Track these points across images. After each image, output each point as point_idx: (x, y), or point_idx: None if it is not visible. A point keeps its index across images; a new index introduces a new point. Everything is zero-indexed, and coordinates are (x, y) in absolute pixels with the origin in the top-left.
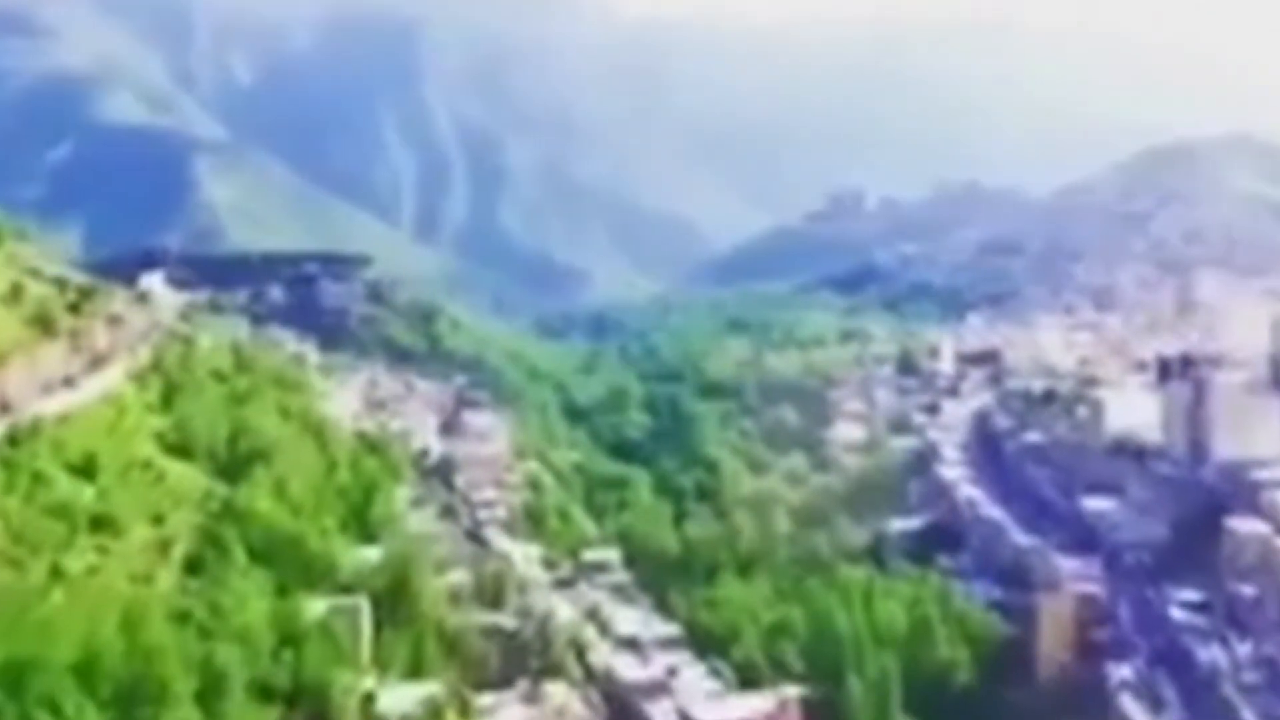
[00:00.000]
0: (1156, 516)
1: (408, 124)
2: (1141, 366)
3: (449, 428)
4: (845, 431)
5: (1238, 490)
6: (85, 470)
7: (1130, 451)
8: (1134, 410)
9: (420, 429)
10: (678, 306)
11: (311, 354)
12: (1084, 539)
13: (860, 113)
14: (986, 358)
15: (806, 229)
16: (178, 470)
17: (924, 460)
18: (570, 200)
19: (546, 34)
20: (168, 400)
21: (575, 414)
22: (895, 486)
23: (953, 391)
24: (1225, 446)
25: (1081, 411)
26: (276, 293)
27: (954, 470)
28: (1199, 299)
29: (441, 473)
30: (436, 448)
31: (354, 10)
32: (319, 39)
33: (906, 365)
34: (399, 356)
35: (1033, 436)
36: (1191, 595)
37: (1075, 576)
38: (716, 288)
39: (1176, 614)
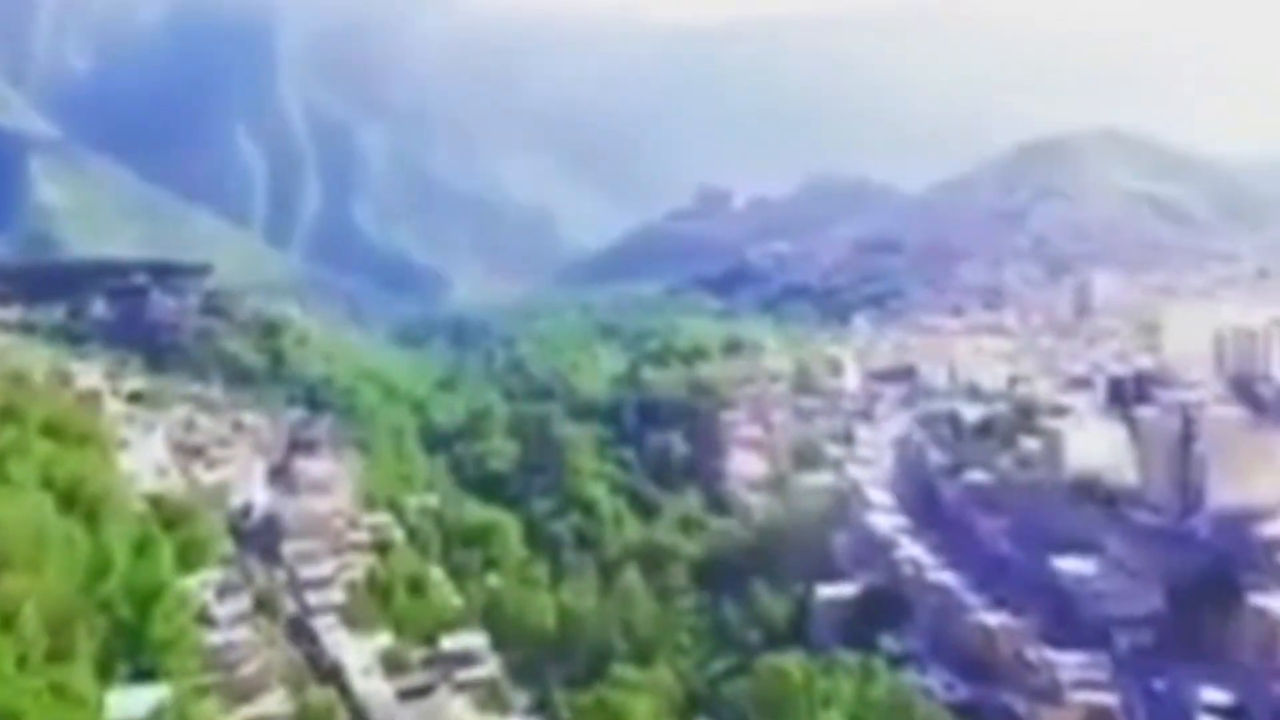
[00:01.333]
0: (1147, 582)
1: (259, 121)
2: (1078, 384)
3: (280, 474)
4: (744, 464)
5: (1243, 549)
6: None
7: (1099, 497)
8: (1096, 444)
9: (244, 480)
10: (544, 310)
11: (135, 379)
12: (1061, 612)
13: (722, 107)
14: (898, 375)
15: (674, 228)
16: None
17: (844, 504)
18: (427, 198)
19: (402, 25)
20: None
21: (434, 439)
22: (814, 538)
23: (864, 415)
24: (1222, 493)
25: (1029, 444)
26: (100, 307)
27: (885, 519)
28: (1096, 301)
29: (265, 540)
30: (262, 503)
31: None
32: (165, 31)
33: (804, 382)
34: (238, 377)
35: (975, 476)
36: (1219, 695)
37: (1079, 681)
38: (583, 289)
39: None
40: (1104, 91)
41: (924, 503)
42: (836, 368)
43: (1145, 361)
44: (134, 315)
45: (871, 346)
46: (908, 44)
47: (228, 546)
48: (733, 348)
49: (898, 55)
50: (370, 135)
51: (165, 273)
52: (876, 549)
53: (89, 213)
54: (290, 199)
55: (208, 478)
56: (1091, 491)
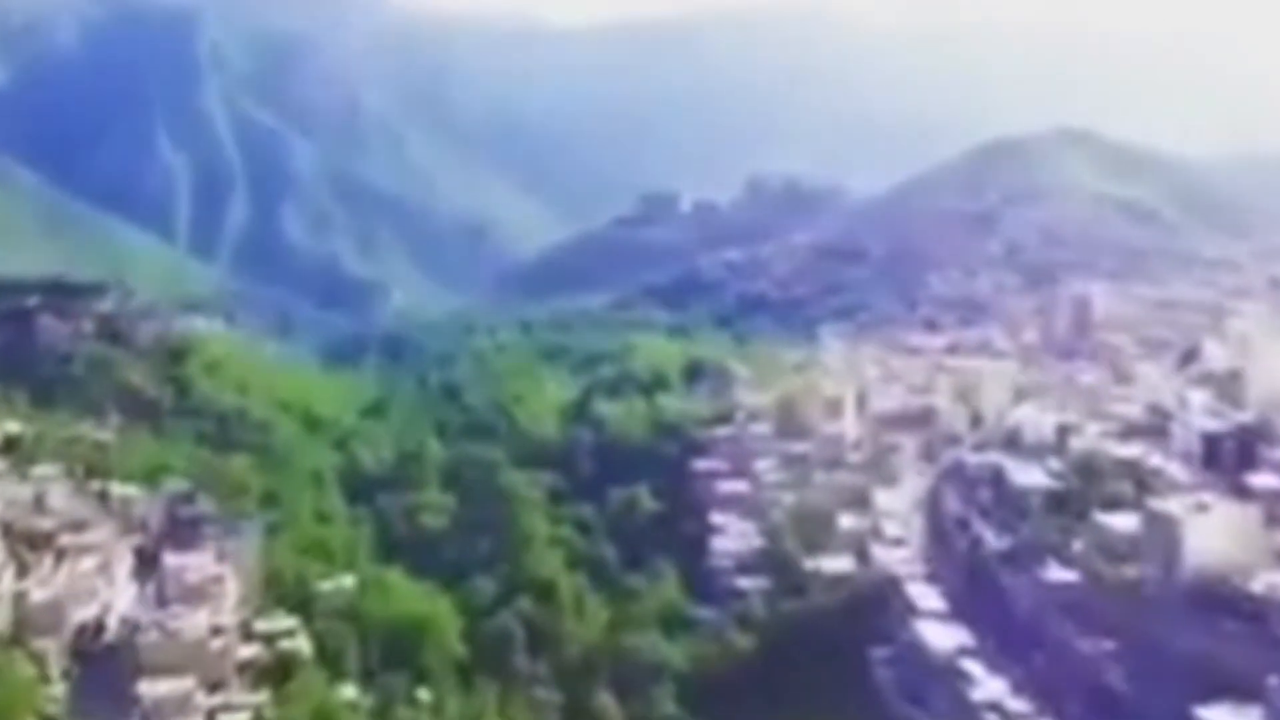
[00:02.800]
0: None
1: (183, 126)
2: (1137, 432)
3: (152, 569)
4: (733, 535)
5: None
6: None
7: (1241, 609)
8: (1219, 531)
9: (100, 581)
10: (482, 326)
11: (13, 420)
12: None
13: (655, 107)
14: (913, 418)
15: (618, 234)
16: None
17: (876, 601)
18: (359, 206)
19: (330, 31)
20: None
21: (359, 486)
22: (841, 651)
23: (873, 467)
24: None
25: (1113, 525)
26: None
27: (941, 633)
28: (1096, 316)
29: (119, 673)
30: (122, 613)
31: (126, 5)
32: (87, 36)
33: (790, 421)
34: (139, 411)
35: (1054, 572)
36: None
37: None
38: (525, 300)
39: None
40: (1053, 90)
41: (985, 606)
42: (834, 408)
43: (1205, 399)
44: (20, 342)
45: (852, 370)
46: (845, 38)
47: (56, 696)
48: (695, 373)
49: (836, 50)
50: (299, 142)
51: (55, 293)
52: (936, 679)
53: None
54: (216, 209)
55: (42, 592)
56: (1228, 603)
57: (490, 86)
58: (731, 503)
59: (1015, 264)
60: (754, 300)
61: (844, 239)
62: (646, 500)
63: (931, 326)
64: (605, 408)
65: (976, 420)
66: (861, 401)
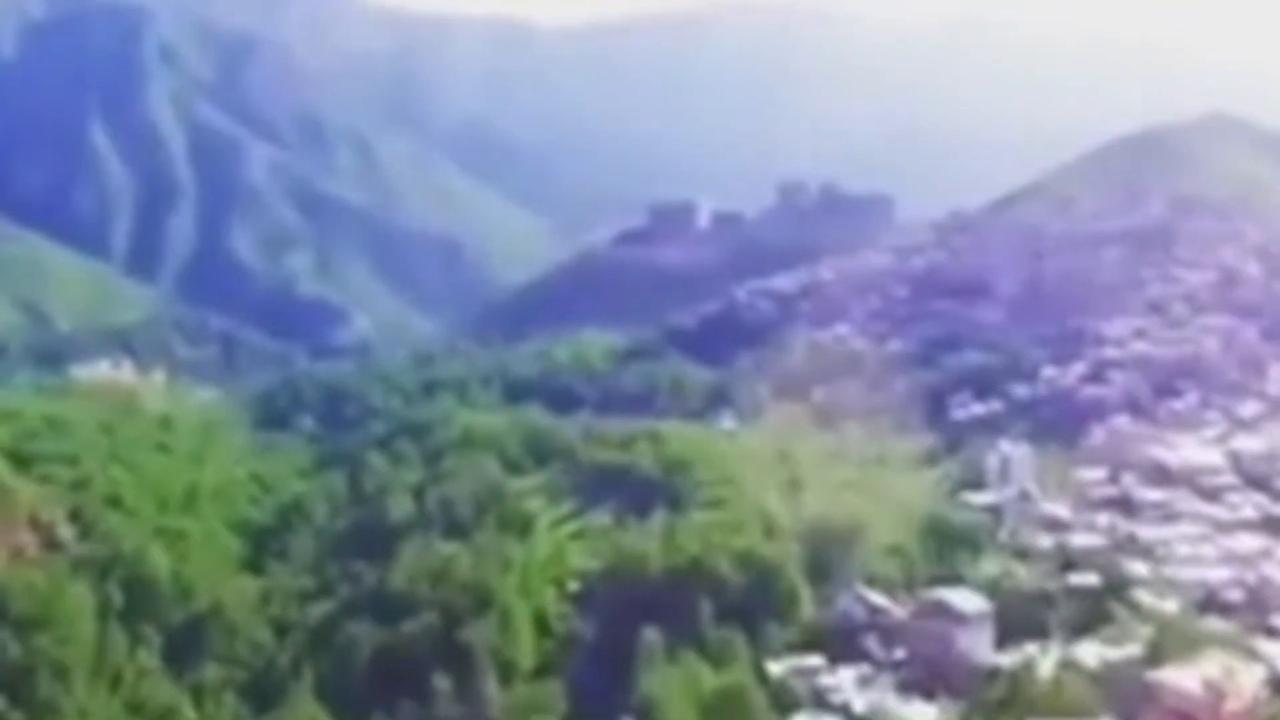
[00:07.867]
0: None
1: (125, 132)
2: None
3: None
4: None
5: None
6: None
7: None
8: None
9: None
10: (452, 381)
11: None
12: None
13: (657, 111)
14: None
15: (623, 254)
16: None
17: None
18: (321, 220)
19: (295, 27)
20: None
21: None
22: None
23: None
24: None
25: None
26: None
27: None
28: None
29: None
30: None
31: (70, 3)
32: (25, 38)
33: None
34: None
35: None
36: None
37: None
38: (508, 337)
39: None
40: (1104, 94)
41: None
42: None
43: None
44: None
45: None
46: (852, 38)
47: None
48: (820, 555)
49: (844, 49)
50: (256, 148)
51: None
52: None
53: None
54: (159, 223)
55: None
56: None
57: (471, 90)
58: None
59: (1232, 302)
60: (827, 355)
61: (945, 266)
62: None
63: (1137, 409)
64: (663, 681)
65: None
66: None
